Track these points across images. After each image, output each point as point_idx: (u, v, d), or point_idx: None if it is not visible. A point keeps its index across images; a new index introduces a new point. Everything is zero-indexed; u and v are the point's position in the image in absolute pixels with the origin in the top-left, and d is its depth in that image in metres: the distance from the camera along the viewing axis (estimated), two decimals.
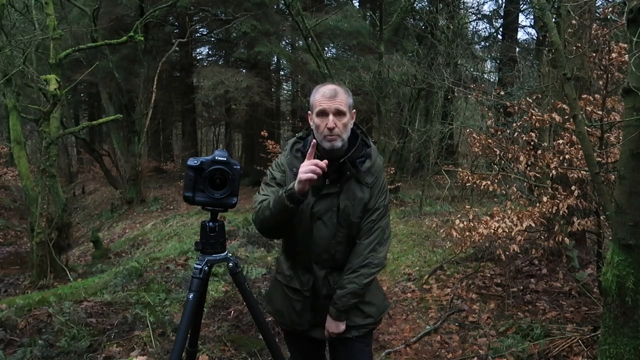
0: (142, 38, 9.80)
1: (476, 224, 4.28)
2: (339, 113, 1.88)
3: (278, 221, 1.87)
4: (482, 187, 4.56)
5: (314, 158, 1.81)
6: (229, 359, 3.40)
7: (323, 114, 1.88)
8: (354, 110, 1.99)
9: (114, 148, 15.32)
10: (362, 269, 1.95)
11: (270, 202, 1.86)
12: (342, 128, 1.89)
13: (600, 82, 3.89)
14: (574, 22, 4.19)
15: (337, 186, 1.93)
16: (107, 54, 13.16)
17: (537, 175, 4.33)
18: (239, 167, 1.81)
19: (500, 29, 15.16)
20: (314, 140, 1.82)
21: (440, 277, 5.35)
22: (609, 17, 4.24)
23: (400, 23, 13.86)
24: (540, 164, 4.22)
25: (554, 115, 4.13)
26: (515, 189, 4.62)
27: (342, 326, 1.99)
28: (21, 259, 10.04)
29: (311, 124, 1.97)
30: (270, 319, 2.56)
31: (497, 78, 13.78)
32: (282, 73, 19.35)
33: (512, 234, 3.94)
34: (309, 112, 1.98)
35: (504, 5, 14.61)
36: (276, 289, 2.14)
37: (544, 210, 3.94)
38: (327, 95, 1.88)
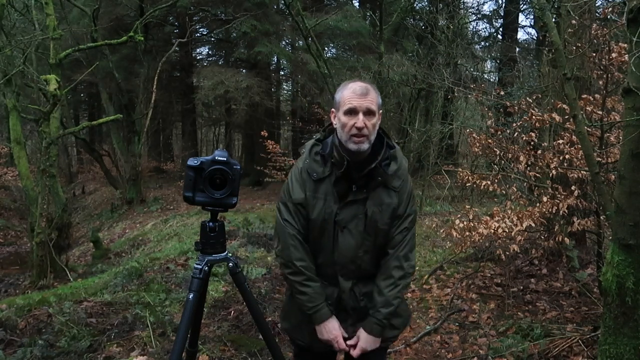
0: (142, 38, 9.80)
1: (476, 224, 4.28)
2: (369, 112, 1.75)
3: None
4: (482, 187, 4.56)
5: (336, 160, 1.77)
6: (229, 359, 3.40)
7: (352, 112, 1.75)
8: (381, 111, 1.85)
9: (114, 148, 15.32)
10: (402, 281, 1.86)
11: (299, 292, 1.84)
12: (371, 129, 1.76)
13: (600, 82, 3.89)
14: (574, 22, 4.19)
15: (364, 192, 1.81)
16: (107, 54, 13.16)
17: (537, 175, 4.33)
18: (239, 167, 1.81)
19: (500, 29, 15.17)
20: (343, 346, 1.85)
21: (440, 277, 5.35)
22: (609, 17, 4.24)
23: (400, 23, 13.87)
24: (540, 164, 4.22)
25: (554, 115, 4.13)
26: (515, 189, 4.62)
27: (379, 342, 1.89)
28: (21, 259, 10.03)
29: (334, 122, 1.83)
30: (270, 318, 2.45)
31: (497, 78, 13.78)
32: (282, 73, 19.36)
33: (512, 234, 3.94)
34: (332, 110, 1.85)
35: (504, 5, 14.62)
36: (294, 304, 1.95)
37: (544, 210, 3.94)
38: (358, 93, 1.75)
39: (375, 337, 1.87)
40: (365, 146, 1.76)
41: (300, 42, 14.69)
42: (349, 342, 1.89)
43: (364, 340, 1.87)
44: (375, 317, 1.85)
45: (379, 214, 1.81)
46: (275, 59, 17.07)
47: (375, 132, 1.81)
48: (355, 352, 1.87)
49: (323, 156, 1.83)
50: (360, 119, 1.73)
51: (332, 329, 1.85)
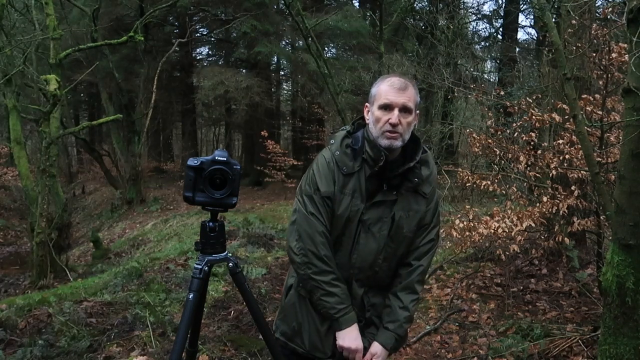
0: (142, 38, 9.80)
1: (476, 224, 4.28)
2: (405, 109, 1.65)
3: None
4: (482, 187, 4.55)
5: (369, 156, 1.68)
6: (229, 359, 3.39)
7: (387, 107, 1.65)
8: (418, 111, 1.75)
9: (114, 148, 15.31)
10: (420, 293, 1.79)
11: (321, 295, 1.70)
12: (405, 127, 1.66)
13: (600, 82, 3.89)
14: (574, 22, 4.19)
15: (394, 194, 1.71)
16: (107, 54, 13.16)
17: (537, 175, 4.33)
18: (239, 167, 1.80)
19: (500, 29, 15.16)
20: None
21: (440, 277, 5.35)
22: (609, 17, 4.24)
23: (400, 23, 13.87)
24: (540, 164, 4.22)
25: (554, 115, 4.13)
26: (515, 189, 4.62)
27: (386, 356, 1.77)
28: (21, 259, 10.03)
29: (367, 117, 1.73)
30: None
31: (497, 78, 13.78)
32: (282, 73, 19.38)
33: (512, 234, 3.93)
34: (367, 104, 1.75)
35: (504, 5, 14.61)
36: (295, 305, 1.84)
37: (544, 210, 3.94)
38: (396, 87, 1.65)
39: (387, 351, 1.76)
40: (398, 144, 1.66)
41: (300, 42, 14.70)
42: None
43: (377, 350, 1.75)
44: (395, 331, 1.75)
45: (406, 219, 1.72)
46: (275, 59, 17.08)
47: (410, 131, 1.71)
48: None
49: (354, 150, 1.73)
50: (395, 115, 1.63)
51: (357, 337, 1.72)
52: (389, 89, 1.66)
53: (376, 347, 1.75)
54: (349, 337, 1.71)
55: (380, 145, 1.66)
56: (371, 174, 1.70)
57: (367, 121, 1.75)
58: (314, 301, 1.75)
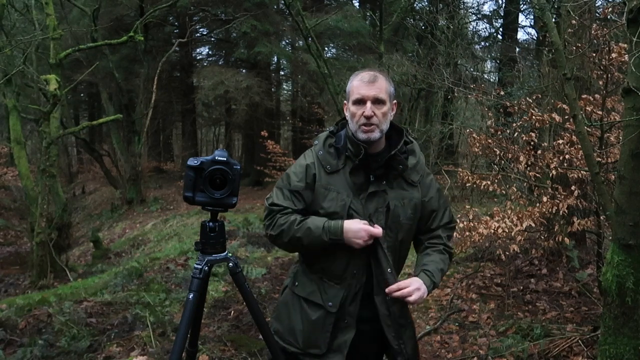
0: (142, 38, 9.81)
1: (476, 224, 4.28)
2: (377, 101, 1.70)
3: (309, 248, 1.75)
4: (482, 187, 4.55)
5: (351, 152, 1.73)
6: (229, 359, 3.39)
7: (360, 102, 1.70)
8: (395, 101, 1.80)
9: (114, 148, 15.32)
10: (448, 259, 1.87)
11: (301, 227, 1.70)
12: (381, 117, 1.70)
13: (600, 82, 3.88)
14: (574, 22, 4.19)
15: (384, 183, 1.75)
16: (107, 54, 13.16)
17: (537, 175, 4.32)
18: (239, 167, 1.80)
19: (500, 29, 15.15)
20: (379, 230, 1.67)
21: None
22: (609, 17, 4.24)
23: (400, 23, 13.86)
24: (540, 164, 4.22)
25: (554, 115, 4.12)
26: (515, 189, 4.62)
27: (424, 295, 1.71)
28: (21, 259, 10.03)
29: (346, 114, 1.79)
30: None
31: (497, 78, 13.76)
32: (282, 73, 19.35)
33: (512, 234, 3.93)
34: (345, 102, 1.81)
35: (504, 5, 14.59)
36: (288, 304, 1.88)
37: (544, 210, 3.94)
38: (366, 80, 1.70)
39: (423, 285, 1.71)
40: (376, 135, 1.70)
41: (300, 42, 14.69)
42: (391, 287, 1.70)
43: (415, 282, 1.71)
44: (432, 272, 1.77)
45: (402, 207, 1.76)
46: (275, 59, 17.06)
47: (388, 121, 1.75)
48: (396, 292, 1.69)
49: (337, 149, 1.78)
50: (368, 108, 1.68)
51: (356, 220, 1.70)
52: (359, 84, 1.71)
53: (411, 279, 1.74)
54: (352, 225, 1.69)
55: (358, 139, 1.71)
56: (353, 167, 1.74)
57: (347, 119, 1.80)
58: (306, 244, 1.73)
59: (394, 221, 1.76)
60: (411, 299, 1.68)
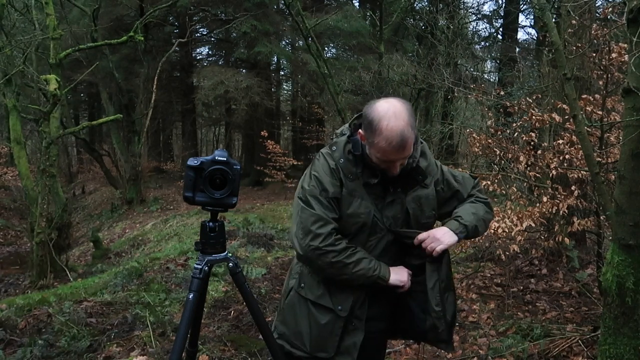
0: (142, 38, 9.80)
1: None
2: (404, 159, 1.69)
3: (347, 281, 1.72)
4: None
5: (370, 168, 1.71)
6: (229, 359, 3.39)
7: (388, 161, 1.67)
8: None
9: (114, 148, 15.32)
10: (486, 208, 1.87)
11: (355, 262, 1.67)
12: (404, 163, 1.71)
13: (600, 82, 3.89)
14: (574, 22, 4.19)
15: (399, 190, 1.76)
16: (107, 54, 13.16)
17: (537, 175, 4.32)
18: (239, 167, 1.80)
19: (500, 29, 15.15)
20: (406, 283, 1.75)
21: None
22: (609, 17, 4.24)
23: (400, 23, 13.87)
24: (540, 164, 4.22)
25: (554, 115, 4.12)
26: (515, 189, 4.62)
27: (452, 241, 1.73)
28: (21, 259, 10.03)
29: (367, 150, 1.69)
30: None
31: (497, 78, 13.76)
32: (282, 73, 19.37)
33: (512, 234, 3.94)
34: (360, 131, 1.72)
35: (504, 5, 14.59)
36: (294, 307, 1.83)
37: (544, 210, 3.94)
38: (395, 147, 1.59)
39: (447, 232, 1.72)
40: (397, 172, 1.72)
41: (300, 42, 14.70)
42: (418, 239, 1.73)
43: (436, 232, 1.73)
44: (463, 217, 1.78)
45: (419, 209, 1.78)
46: (275, 59, 17.07)
47: None
48: (425, 242, 1.72)
49: (355, 156, 1.73)
50: (397, 167, 1.69)
51: (401, 269, 1.77)
52: (388, 149, 1.61)
53: (432, 230, 1.76)
54: (397, 273, 1.75)
55: (378, 168, 1.72)
56: (372, 184, 1.74)
57: (363, 140, 1.72)
58: (347, 280, 1.71)
59: (415, 222, 1.78)
60: (438, 248, 1.71)
